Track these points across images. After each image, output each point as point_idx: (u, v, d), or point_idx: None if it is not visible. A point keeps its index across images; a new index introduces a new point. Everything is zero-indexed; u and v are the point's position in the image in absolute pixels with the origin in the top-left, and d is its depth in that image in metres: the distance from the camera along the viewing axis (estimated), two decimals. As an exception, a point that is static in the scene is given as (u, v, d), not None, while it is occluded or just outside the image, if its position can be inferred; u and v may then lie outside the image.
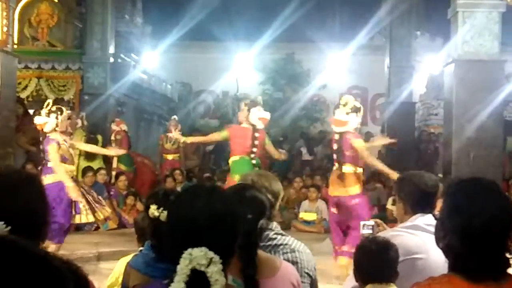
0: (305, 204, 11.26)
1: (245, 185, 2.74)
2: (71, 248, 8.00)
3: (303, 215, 11.11)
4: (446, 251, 1.86)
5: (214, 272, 1.66)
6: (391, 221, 7.49)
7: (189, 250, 1.68)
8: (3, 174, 2.15)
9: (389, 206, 11.16)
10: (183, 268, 1.65)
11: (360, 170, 7.27)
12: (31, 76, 13.89)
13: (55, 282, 0.91)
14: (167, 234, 1.87)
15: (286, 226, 10.15)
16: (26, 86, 13.79)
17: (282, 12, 20.40)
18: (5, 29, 8.94)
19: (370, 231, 3.62)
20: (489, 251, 1.76)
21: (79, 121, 12.31)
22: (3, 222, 1.73)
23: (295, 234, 2.82)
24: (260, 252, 2.52)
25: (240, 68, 23.00)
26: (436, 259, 2.95)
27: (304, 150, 16.53)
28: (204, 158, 16.45)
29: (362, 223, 3.75)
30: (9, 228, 1.73)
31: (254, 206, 2.52)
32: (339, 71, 22.85)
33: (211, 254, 1.67)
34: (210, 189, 1.98)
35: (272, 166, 11.99)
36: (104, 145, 12.19)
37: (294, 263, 2.84)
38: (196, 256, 1.66)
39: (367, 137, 12.36)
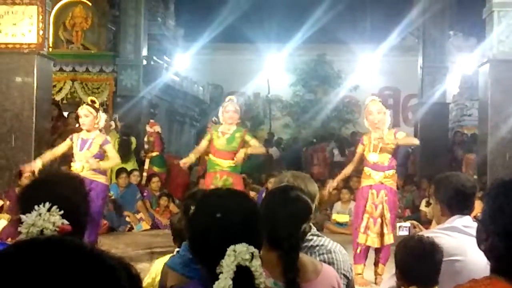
0: (338, 205, 11.20)
1: (290, 187, 2.73)
2: (105, 249, 8.09)
3: (335, 216, 11.05)
4: (489, 253, 1.83)
5: (258, 266, 1.71)
6: (425, 223, 7.43)
7: (232, 246, 1.72)
8: (46, 173, 2.21)
9: (422, 207, 11.07)
10: (229, 264, 1.69)
11: None
12: (65, 79, 14.09)
13: (111, 282, 0.93)
14: (197, 235, 1.91)
15: (318, 228, 10.05)
16: (60, 89, 14.00)
17: (313, 13, 20.38)
18: (41, 32, 9.08)
19: (406, 233, 3.59)
20: (533, 253, 1.74)
21: (113, 123, 12.43)
22: (56, 206, 1.78)
23: (328, 236, 2.82)
24: (302, 255, 2.51)
25: (271, 70, 23.02)
26: (474, 261, 2.93)
27: (336, 152, 16.46)
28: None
29: (398, 224, 3.72)
30: (62, 212, 1.78)
31: (298, 208, 2.52)
32: (370, 72, 22.75)
33: (252, 248, 1.72)
34: (235, 191, 2.11)
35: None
36: (137, 147, 12.29)
37: (331, 264, 2.83)
38: (240, 252, 1.70)
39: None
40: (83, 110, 7.40)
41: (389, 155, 6.81)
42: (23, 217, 1.75)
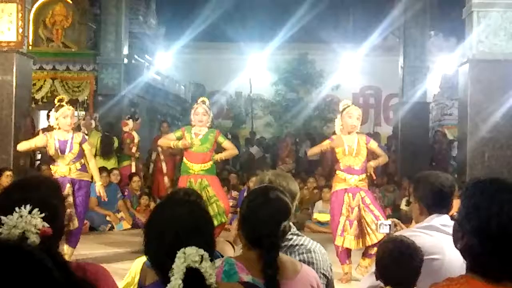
0: (319, 204, 11.21)
1: (270, 187, 2.73)
2: (86, 249, 8.05)
3: (317, 215, 11.07)
4: (464, 252, 1.84)
5: (208, 267, 1.78)
6: (405, 222, 7.46)
7: (182, 249, 1.79)
8: (24, 176, 2.20)
9: (403, 206, 11.13)
10: (179, 266, 1.77)
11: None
12: (45, 77, 14.01)
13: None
14: (154, 239, 2.01)
15: (299, 227, 10.12)
16: (40, 87, 13.91)
17: (295, 12, 20.41)
18: (20, 30, 9.00)
19: (387, 231, 3.60)
20: (508, 251, 1.75)
21: (93, 122, 12.34)
22: (38, 209, 1.78)
23: (309, 235, 2.83)
24: (282, 254, 2.53)
25: (253, 69, 23.02)
26: (452, 260, 2.95)
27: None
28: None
29: (379, 222, 3.72)
30: (43, 214, 1.78)
31: (278, 208, 2.52)
32: (352, 71, 22.84)
33: (201, 251, 1.80)
34: (188, 200, 2.29)
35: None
36: (119, 146, 12.18)
37: (310, 263, 2.84)
38: (189, 254, 1.78)
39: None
40: (70, 111, 7.30)
41: (363, 159, 6.93)
42: (3, 218, 1.74)
